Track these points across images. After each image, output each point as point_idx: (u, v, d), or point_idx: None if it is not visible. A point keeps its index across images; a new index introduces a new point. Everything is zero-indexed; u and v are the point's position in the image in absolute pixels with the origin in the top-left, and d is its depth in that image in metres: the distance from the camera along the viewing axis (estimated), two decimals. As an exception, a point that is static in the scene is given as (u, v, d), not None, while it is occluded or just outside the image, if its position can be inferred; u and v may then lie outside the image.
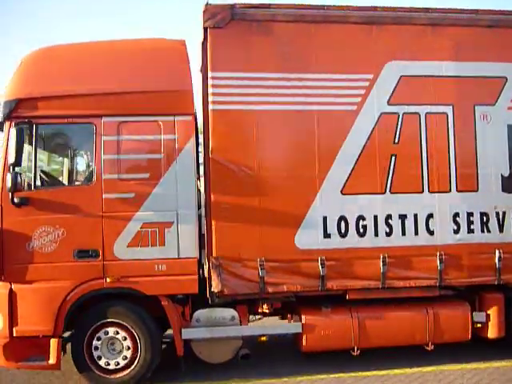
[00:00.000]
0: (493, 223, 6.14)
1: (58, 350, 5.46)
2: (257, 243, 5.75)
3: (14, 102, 5.51)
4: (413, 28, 6.11)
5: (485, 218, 6.13)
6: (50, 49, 5.91)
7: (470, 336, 6.24)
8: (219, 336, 5.86)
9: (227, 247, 5.73)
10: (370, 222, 5.94)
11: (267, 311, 6.06)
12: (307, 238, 5.83)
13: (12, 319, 5.46)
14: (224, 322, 5.91)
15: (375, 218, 5.95)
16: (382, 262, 5.87)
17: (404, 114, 6.01)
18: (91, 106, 5.64)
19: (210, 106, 5.73)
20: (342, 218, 5.90)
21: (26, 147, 5.55)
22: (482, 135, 6.14)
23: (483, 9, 6.30)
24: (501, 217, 6.16)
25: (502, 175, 6.17)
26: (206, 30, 5.73)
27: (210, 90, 5.74)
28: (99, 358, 5.64)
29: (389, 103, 6.00)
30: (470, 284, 6.19)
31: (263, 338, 6.07)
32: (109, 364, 5.64)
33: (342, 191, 5.90)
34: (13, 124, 5.41)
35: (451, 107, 6.10)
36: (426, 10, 6.18)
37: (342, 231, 5.90)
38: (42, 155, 5.84)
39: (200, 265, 5.86)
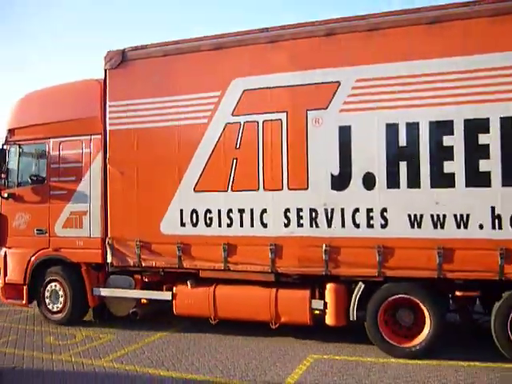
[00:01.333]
0: (321, 219, 6.65)
1: (26, 294, 8.47)
2: (135, 228, 7.67)
3: (8, 132, 8.72)
4: (254, 47, 7.05)
5: (314, 214, 6.68)
6: (27, 95, 8.97)
7: (309, 321, 6.88)
8: (118, 296, 7.99)
9: (116, 230, 7.82)
10: (215, 215, 7.19)
11: (147, 281, 7.88)
12: (168, 225, 7.45)
13: (5, 272, 8.71)
14: (125, 286, 8.00)
15: (219, 211, 7.17)
16: (223, 248, 7.09)
17: (245, 122, 7.02)
18: (45, 131, 8.45)
19: (108, 127, 7.87)
20: (194, 211, 7.31)
21: (14, 160, 8.72)
22: (313, 138, 6.68)
23: (320, 20, 6.76)
24: (329, 213, 6.61)
25: (331, 174, 6.61)
26: (105, 71, 7.86)
27: (108, 116, 7.86)
28: (48, 303, 8.46)
29: (233, 114, 7.09)
30: (302, 273, 6.84)
31: (143, 301, 8.02)
32: (53, 307, 8.44)
33: (194, 189, 7.30)
34: (8, 146, 8.65)
35: (285, 114, 6.83)
36: (266, 29, 7.01)
37: (194, 221, 7.32)
38: (21, 165, 8.84)
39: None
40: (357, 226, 6.49)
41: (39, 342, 7.45)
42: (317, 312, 6.91)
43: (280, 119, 6.85)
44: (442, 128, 6.15)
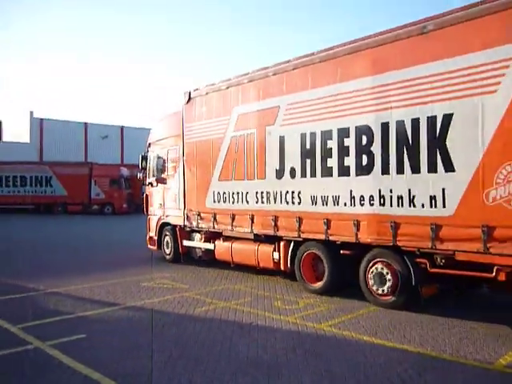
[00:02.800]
0: (271, 199, 10.11)
1: (157, 243, 14.11)
2: (195, 203, 12.26)
3: (148, 144, 14.44)
4: (240, 87, 10.83)
5: (268, 195, 10.20)
6: (156, 122, 14.42)
7: (272, 266, 10.42)
8: (190, 245, 12.85)
9: (188, 204, 12.56)
10: (227, 195, 11.22)
11: (205, 237, 12.30)
12: (208, 202, 11.80)
13: (149, 229, 14.54)
14: (196, 240, 12.72)
15: (229, 193, 11.18)
16: (230, 216, 11.10)
17: (239, 135, 10.86)
18: (163, 143, 13.77)
19: (184, 140, 12.63)
20: (218, 193, 11.48)
21: (151, 161, 14.36)
22: (268, 144, 10.14)
23: (271, 65, 10.08)
24: (274, 195, 10.03)
25: (276, 169, 9.93)
26: (183, 105, 12.63)
27: (184, 132, 12.63)
28: (163, 248, 13.86)
29: (233, 131, 11.02)
30: (263, 234, 10.46)
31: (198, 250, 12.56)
32: (165, 251, 13.75)
33: (218, 179, 11.48)
34: (148, 153, 14.39)
35: (255, 129, 10.43)
36: (247, 73, 10.69)
37: (218, 200, 11.48)
38: (154, 164, 14.30)
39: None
40: (287, 203, 9.75)
41: (269, 305, 8.44)
42: (276, 261, 10.34)
43: (253, 133, 10.48)
44: (326, 136, 8.97)
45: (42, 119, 50.87)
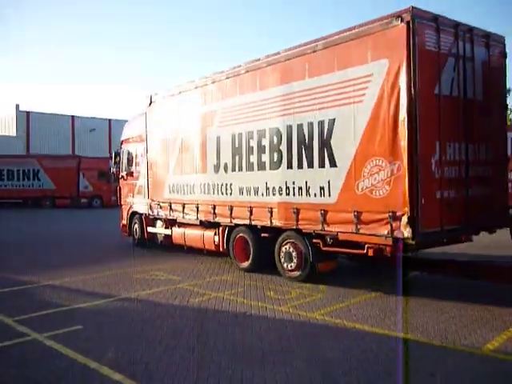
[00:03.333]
0: (210, 190, 11.62)
1: (128, 230, 15.77)
2: (155, 194, 13.62)
3: (121, 142, 15.63)
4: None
5: (208, 187, 11.77)
6: (128, 121, 15.63)
7: (214, 248, 11.83)
8: (153, 231, 14.57)
9: (151, 195, 13.81)
10: (179, 188, 12.63)
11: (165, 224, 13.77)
12: (166, 193, 13.08)
13: (122, 218, 15.89)
14: (159, 226, 14.25)
15: (179, 185, 12.64)
16: (182, 206, 12.52)
17: (187, 136, 12.30)
18: (131, 141, 14.40)
19: (148, 139, 13.90)
20: (173, 185, 12.82)
21: (123, 157, 15.70)
22: (208, 143, 11.55)
23: (212, 74, 11.16)
24: (213, 187, 11.48)
25: (213, 164, 11.36)
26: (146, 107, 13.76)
27: (147, 131, 13.95)
28: (132, 233, 15.67)
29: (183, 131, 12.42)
30: (205, 220, 11.85)
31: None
32: (134, 235, 14.45)
33: (173, 173, 12.80)
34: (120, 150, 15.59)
35: (199, 131, 11.86)
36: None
37: (172, 191, 12.82)
38: (125, 159, 15.65)
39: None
40: (222, 194, 11.14)
41: (262, 295, 8.61)
42: (216, 243, 11.65)
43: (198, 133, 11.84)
44: (249, 136, 10.38)
45: (28, 112, 50.35)
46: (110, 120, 55.10)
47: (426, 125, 7.72)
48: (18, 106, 49.92)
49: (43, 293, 9.16)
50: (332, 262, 9.60)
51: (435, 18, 7.93)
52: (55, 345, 6.17)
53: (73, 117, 53.16)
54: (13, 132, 49.46)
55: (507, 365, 5.53)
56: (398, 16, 7.62)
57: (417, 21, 7.56)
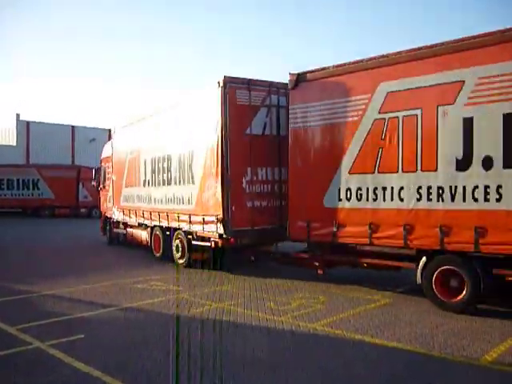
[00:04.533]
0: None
1: (103, 231, 19.27)
2: (116, 201, 16.76)
3: (100, 160, 18.10)
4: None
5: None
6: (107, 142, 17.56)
7: (146, 244, 15.15)
8: (117, 231, 18.16)
9: (115, 203, 13.91)
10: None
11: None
12: (121, 201, 16.93)
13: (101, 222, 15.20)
14: (122, 229, 16.26)
15: None
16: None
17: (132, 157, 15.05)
18: (104, 161, 15.10)
19: (113, 159, 16.01)
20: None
21: (101, 173, 19.55)
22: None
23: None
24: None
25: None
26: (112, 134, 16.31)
27: (112, 154, 16.09)
28: (104, 233, 18.86)
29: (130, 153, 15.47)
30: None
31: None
32: (104, 236, 14.32)
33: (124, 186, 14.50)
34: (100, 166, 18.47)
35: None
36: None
37: (126, 200, 16.22)
38: (103, 174, 15.69)
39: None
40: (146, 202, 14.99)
41: (262, 306, 8.62)
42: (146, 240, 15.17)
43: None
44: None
45: (28, 122, 50.43)
46: (109, 130, 55.15)
47: (237, 155, 10.86)
48: (18, 116, 50.00)
49: (45, 302, 9.21)
50: (197, 253, 12.42)
51: (247, 81, 10.99)
52: (58, 353, 6.23)
53: (73, 127, 53.29)
54: (13, 141, 49.55)
55: (506, 376, 5.59)
56: (218, 82, 10.73)
57: (228, 85, 10.68)
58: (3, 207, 36.42)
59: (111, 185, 17.91)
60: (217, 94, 10.79)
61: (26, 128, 49.98)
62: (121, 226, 17.35)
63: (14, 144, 49.18)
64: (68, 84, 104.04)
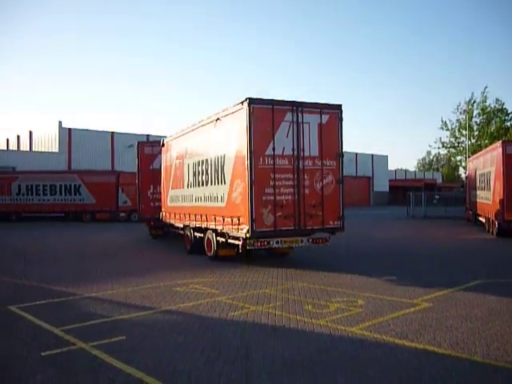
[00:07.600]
0: None
1: None
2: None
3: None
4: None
5: None
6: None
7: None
8: None
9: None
10: None
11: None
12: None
13: None
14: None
15: None
16: None
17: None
18: None
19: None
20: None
21: None
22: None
23: None
24: None
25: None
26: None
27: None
28: None
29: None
30: None
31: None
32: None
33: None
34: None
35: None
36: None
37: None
38: None
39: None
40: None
41: (300, 309, 8.63)
42: None
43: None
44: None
45: (70, 129, 51.98)
46: (148, 136, 56.27)
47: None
48: (60, 123, 51.60)
49: (87, 304, 9.44)
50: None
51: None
52: (101, 354, 6.38)
53: (112, 133, 54.58)
54: (55, 148, 51.11)
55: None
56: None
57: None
58: (46, 212, 37.66)
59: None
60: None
61: (67, 135, 51.51)
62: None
63: (57, 151, 50.72)
64: (108, 91, 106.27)
